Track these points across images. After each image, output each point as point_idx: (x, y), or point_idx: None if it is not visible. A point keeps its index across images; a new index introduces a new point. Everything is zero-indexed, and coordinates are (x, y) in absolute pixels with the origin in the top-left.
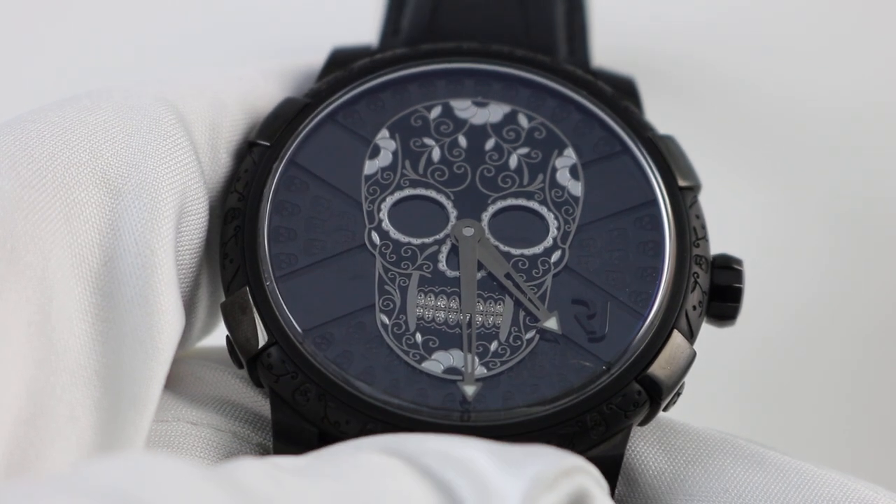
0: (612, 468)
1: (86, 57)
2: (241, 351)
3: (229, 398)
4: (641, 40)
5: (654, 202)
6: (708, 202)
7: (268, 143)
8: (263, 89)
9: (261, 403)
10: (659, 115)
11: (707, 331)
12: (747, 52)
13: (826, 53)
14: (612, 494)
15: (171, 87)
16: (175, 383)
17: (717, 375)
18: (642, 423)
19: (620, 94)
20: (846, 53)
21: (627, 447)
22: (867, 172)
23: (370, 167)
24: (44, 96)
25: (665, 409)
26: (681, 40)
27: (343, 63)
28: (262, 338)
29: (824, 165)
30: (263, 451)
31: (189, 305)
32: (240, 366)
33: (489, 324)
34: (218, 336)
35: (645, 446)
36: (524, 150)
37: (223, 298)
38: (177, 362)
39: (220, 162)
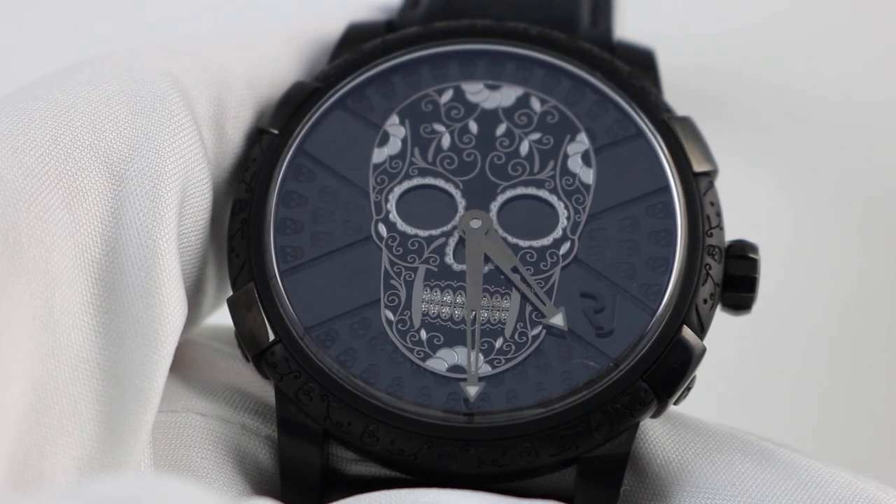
0: (617, 466)
1: (89, 17)
2: (246, 347)
3: (239, 386)
4: (666, 17)
5: (667, 189)
6: (725, 187)
7: (276, 131)
8: (272, 62)
9: (271, 393)
10: (677, 95)
11: (720, 323)
12: (769, 38)
13: (844, 43)
14: (618, 492)
15: (175, 59)
16: (186, 368)
17: (730, 369)
18: (652, 417)
19: (638, 72)
20: (862, 46)
21: (636, 437)
22: (888, 163)
23: (378, 155)
24: (45, 59)
25: (676, 403)
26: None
27: (358, 40)
28: (267, 335)
29: (845, 154)
30: (272, 444)
31: (196, 285)
32: (247, 359)
33: (495, 319)
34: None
35: (654, 437)
36: (536, 136)
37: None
38: (189, 345)
39: (225, 140)
